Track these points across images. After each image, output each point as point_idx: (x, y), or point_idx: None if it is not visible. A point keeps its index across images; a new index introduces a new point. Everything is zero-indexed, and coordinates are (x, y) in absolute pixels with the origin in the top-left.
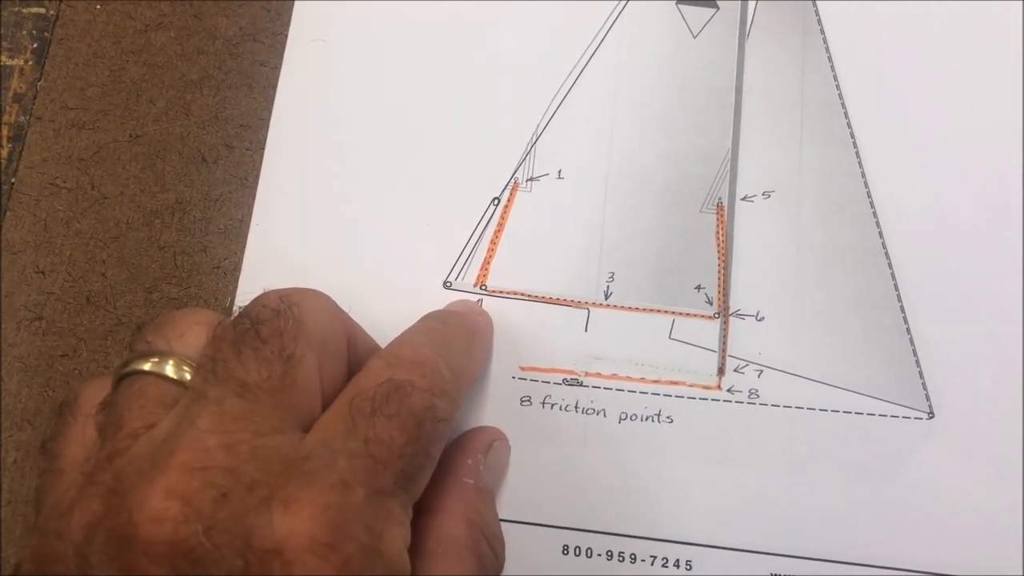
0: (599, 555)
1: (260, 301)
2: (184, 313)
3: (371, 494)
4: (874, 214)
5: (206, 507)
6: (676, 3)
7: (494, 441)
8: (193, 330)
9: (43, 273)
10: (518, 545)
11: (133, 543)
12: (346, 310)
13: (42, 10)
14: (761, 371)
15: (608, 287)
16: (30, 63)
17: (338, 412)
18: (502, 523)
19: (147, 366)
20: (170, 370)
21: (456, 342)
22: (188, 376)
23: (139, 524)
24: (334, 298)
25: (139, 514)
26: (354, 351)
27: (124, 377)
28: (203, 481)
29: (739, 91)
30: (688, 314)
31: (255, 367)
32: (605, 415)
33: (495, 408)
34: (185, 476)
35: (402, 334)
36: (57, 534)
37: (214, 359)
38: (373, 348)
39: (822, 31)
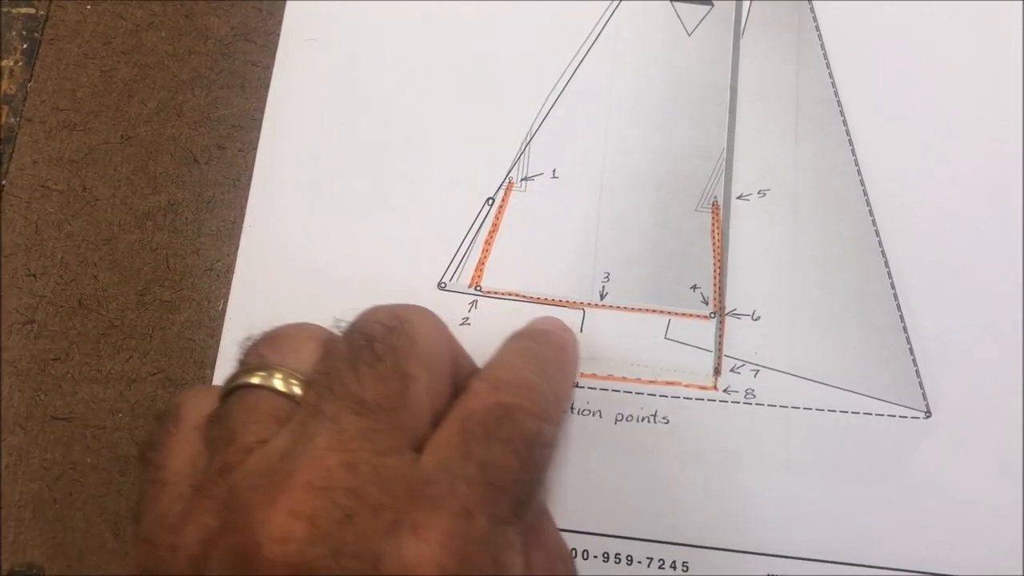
0: (595, 557)
1: (371, 316)
2: (297, 327)
3: (492, 522)
4: (870, 212)
5: (332, 529)
6: (671, 1)
7: None
8: (306, 345)
9: (34, 276)
10: None
11: (255, 563)
12: (339, 314)
13: (32, 10)
14: (757, 371)
15: (603, 287)
16: (20, 64)
17: (451, 434)
18: None
19: (258, 379)
20: (281, 384)
21: (552, 363)
22: (298, 391)
23: (263, 544)
24: (329, 299)
25: (262, 533)
26: (456, 369)
27: (234, 390)
28: (328, 501)
29: (734, 89)
30: (684, 314)
31: (371, 385)
32: (601, 416)
33: None
34: (309, 495)
35: (499, 355)
36: (169, 547)
37: (329, 375)
38: (472, 366)
39: (817, 28)
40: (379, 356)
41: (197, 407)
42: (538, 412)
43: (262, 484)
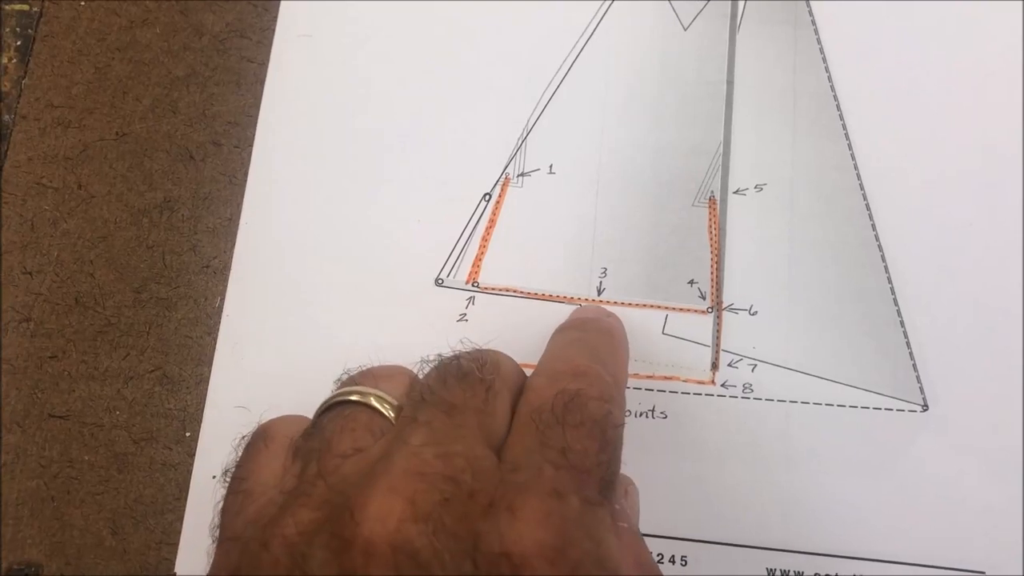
0: None
1: (455, 352)
2: (390, 365)
3: (584, 503)
4: (867, 207)
5: (431, 509)
6: None
7: (628, 486)
8: (399, 376)
9: (30, 274)
10: None
11: (354, 543)
12: (336, 308)
13: (26, 7)
14: (755, 365)
15: (601, 282)
16: (14, 61)
17: (524, 429)
18: None
19: (356, 396)
20: (376, 402)
21: (601, 347)
22: (390, 412)
23: (362, 523)
24: (325, 295)
25: (361, 512)
26: None
27: (329, 408)
28: (426, 484)
29: (730, 84)
30: (681, 309)
31: (460, 391)
32: None
33: None
34: (407, 479)
35: (548, 350)
36: (261, 542)
37: (421, 391)
38: None
39: (814, 23)
40: (466, 372)
41: (285, 429)
42: (601, 395)
43: (361, 481)
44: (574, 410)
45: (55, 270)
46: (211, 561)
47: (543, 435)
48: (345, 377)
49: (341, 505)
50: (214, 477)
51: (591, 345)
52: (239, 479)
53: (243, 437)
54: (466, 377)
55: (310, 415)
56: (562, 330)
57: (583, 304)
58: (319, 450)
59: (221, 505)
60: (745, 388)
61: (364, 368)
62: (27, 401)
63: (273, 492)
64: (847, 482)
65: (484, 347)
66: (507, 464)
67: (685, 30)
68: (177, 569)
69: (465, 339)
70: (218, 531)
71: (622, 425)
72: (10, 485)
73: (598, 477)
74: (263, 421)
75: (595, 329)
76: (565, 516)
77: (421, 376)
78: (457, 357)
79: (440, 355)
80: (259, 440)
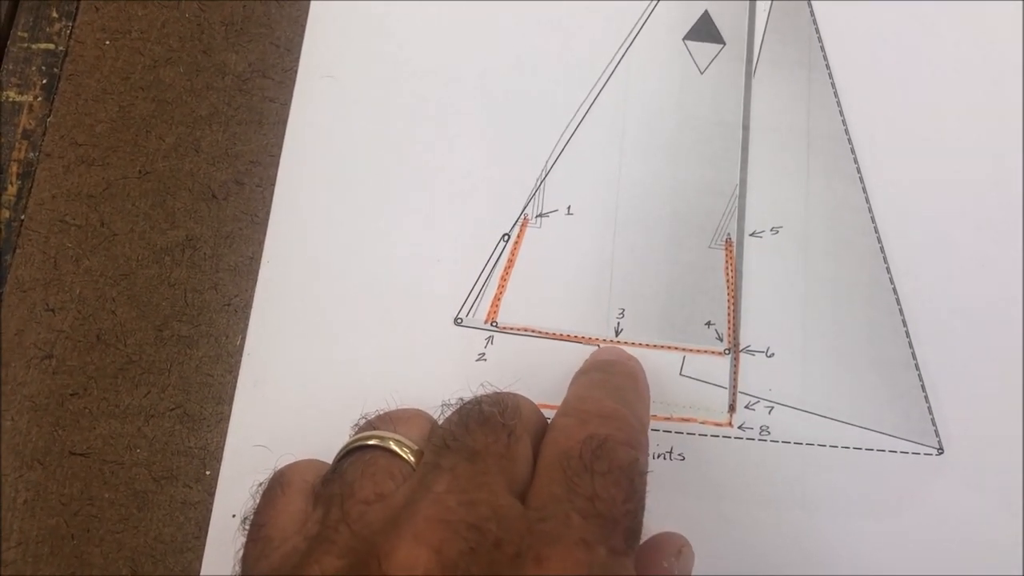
0: None
1: (476, 397)
2: (409, 408)
3: (610, 553)
4: (881, 248)
5: (457, 559)
6: (683, 39)
7: (683, 547)
8: (417, 420)
9: (53, 311)
10: None
11: None
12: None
13: (51, 46)
14: (772, 407)
15: (618, 323)
16: (39, 99)
17: (551, 472)
18: None
19: (375, 441)
20: (394, 446)
21: (627, 390)
22: (410, 456)
23: (389, 571)
24: (345, 334)
25: (388, 561)
26: None
27: (348, 453)
28: (451, 533)
29: (746, 127)
30: (699, 350)
31: (482, 436)
32: None
33: None
34: (433, 527)
35: (574, 389)
36: None
37: (443, 436)
38: None
39: (828, 66)
40: (487, 417)
41: (302, 474)
42: (629, 440)
43: (385, 528)
44: (603, 456)
45: (77, 307)
46: None
47: (571, 482)
48: (363, 421)
49: (367, 553)
50: (234, 516)
51: (617, 387)
52: (258, 526)
53: (260, 484)
54: (487, 422)
55: (331, 455)
56: (586, 371)
57: (602, 345)
58: (341, 495)
59: (241, 553)
60: (762, 430)
61: (381, 412)
62: (48, 438)
63: (296, 539)
64: (863, 525)
65: (504, 390)
66: (533, 511)
67: (702, 73)
68: None
69: (486, 383)
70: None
71: (646, 473)
72: (30, 522)
73: (624, 527)
74: (279, 466)
75: (620, 372)
76: (593, 567)
77: (440, 420)
78: (478, 402)
79: (460, 399)
80: (276, 486)
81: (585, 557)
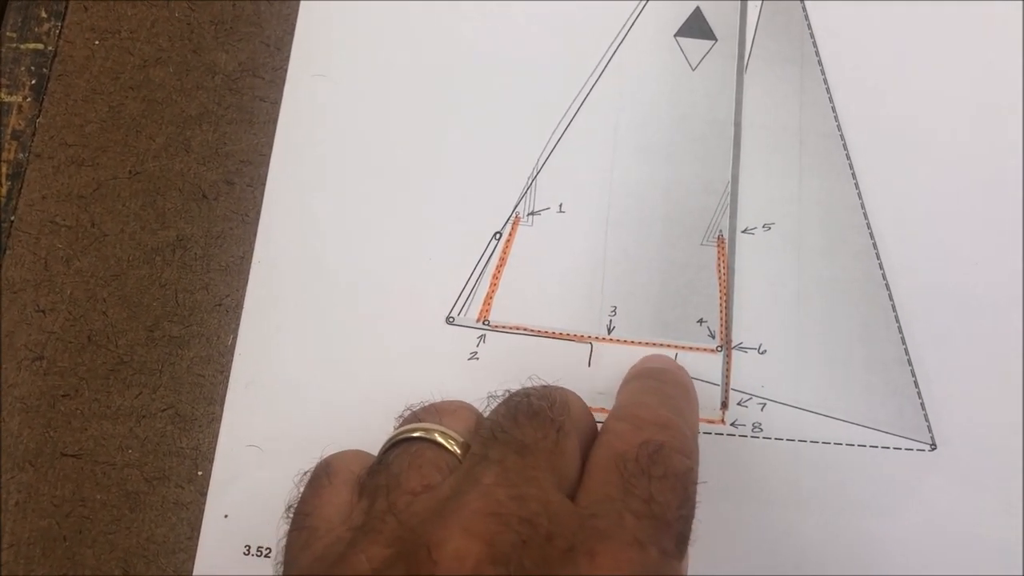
0: None
1: (524, 390)
2: (454, 400)
3: (662, 554)
4: (874, 246)
5: (509, 551)
6: (675, 36)
7: None
8: (462, 412)
9: (43, 312)
10: None
11: None
12: (348, 346)
13: (40, 46)
14: (764, 404)
15: (611, 321)
16: (28, 100)
17: (605, 474)
18: None
19: (420, 433)
20: (440, 438)
21: (678, 400)
22: (456, 448)
23: (440, 562)
24: (337, 333)
25: (438, 552)
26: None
27: (394, 445)
28: (502, 525)
29: (738, 124)
30: (691, 348)
31: (531, 430)
32: None
33: None
34: (483, 519)
35: (627, 395)
36: None
37: (492, 428)
38: None
39: (820, 63)
40: (536, 410)
41: (349, 464)
42: (684, 449)
43: (433, 517)
44: (659, 462)
45: (68, 308)
46: None
47: (627, 483)
48: (407, 413)
49: (414, 543)
50: (226, 516)
51: (669, 396)
52: (303, 515)
53: (304, 473)
54: (537, 416)
55: (324, 454)
56: (638, 377)
57: (593, 342)
58: (387, 486)
59: (284, 541)
60: (755, 427)
61: (427, 404)
62: (39, 440)
63: (341, 529)
64: (856, 521)
65: (552, 384)
66: (585, 509)
67: (693, 70)
68: None
69: (534, 376)
70: (282, 568)
71: (699, 483)
72: (22, 524)
73: (677, 531)
74: (325, 456)
75: (671, 381)
76: (645, 565)
77: (485, 412)
78: (527, 394)
79: (507, 390)
80: (322, 475)
81: (638, 556)
